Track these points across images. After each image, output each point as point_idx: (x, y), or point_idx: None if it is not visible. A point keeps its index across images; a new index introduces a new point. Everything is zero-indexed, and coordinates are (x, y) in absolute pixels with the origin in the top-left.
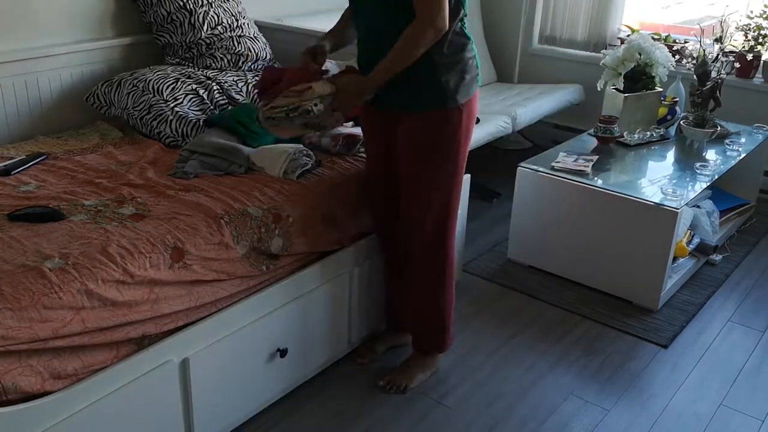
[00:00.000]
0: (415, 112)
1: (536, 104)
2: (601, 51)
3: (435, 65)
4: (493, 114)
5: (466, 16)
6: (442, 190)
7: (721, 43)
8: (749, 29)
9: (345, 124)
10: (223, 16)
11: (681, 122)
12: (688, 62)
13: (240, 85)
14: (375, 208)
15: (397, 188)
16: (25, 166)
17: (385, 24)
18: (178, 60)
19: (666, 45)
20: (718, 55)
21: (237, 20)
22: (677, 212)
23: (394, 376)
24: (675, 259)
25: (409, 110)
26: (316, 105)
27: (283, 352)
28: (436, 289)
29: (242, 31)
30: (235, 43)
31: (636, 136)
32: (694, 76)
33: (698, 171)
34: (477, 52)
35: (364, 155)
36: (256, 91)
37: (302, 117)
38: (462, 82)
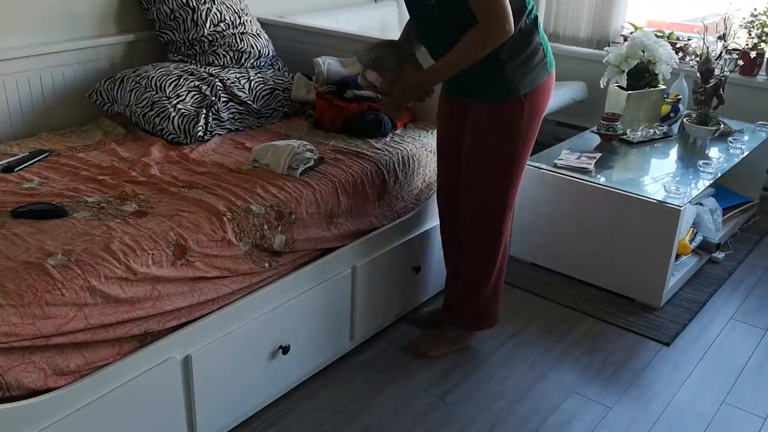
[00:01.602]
0: (481, 101)
1: None
2: (605, 48)
3: (499, 61)
4: None
5: (533, 7)
6: (497, 172)
7: (725, 41)
8: (753, 26)
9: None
10: (225, 13)
11: (684, 120)
12: (692, 59)
13: (242, 82)
14: (444, 219)
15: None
16: (28, 163)
17: (450, 35)
18: (180, 57)
19: (669, 42)
20: (721, 52)
21: (240, 17)
22: (680, 210)
23: (418, 340)
24: (678, 256)
25: (476, 99)
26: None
27: (285, 349)
28: (478, 269)
29: (245, 28)
30: (238, 40)
31: (639, 133)
32: (698, 73)
33: (701, 168)
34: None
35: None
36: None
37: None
38: (526, 74)
